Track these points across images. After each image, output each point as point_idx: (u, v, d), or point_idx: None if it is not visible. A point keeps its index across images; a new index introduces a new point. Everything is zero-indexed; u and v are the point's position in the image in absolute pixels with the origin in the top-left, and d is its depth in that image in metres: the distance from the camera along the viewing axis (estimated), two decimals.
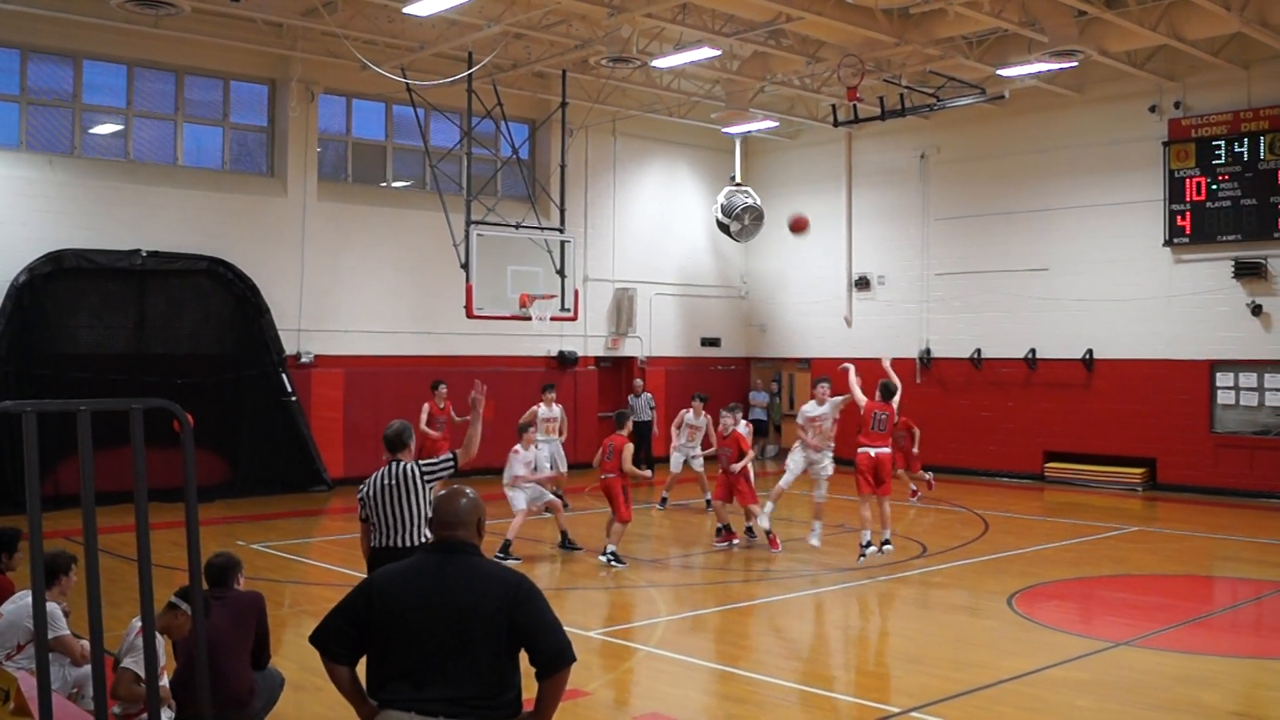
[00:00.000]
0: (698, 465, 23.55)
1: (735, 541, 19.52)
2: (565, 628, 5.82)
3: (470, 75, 24.16)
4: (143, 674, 8.18)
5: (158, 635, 8.36)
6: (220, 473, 24.99)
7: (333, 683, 5.78)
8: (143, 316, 24.42)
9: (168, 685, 8.32)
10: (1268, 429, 25.80)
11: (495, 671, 5.48)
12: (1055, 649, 12.76)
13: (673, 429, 24.25)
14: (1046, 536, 20.69)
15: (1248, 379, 26.10)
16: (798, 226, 25.85)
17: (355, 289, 27.60)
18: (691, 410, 23.80)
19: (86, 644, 7.53)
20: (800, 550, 19.13)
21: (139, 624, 8.01)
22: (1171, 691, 11.05)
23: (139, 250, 24.19)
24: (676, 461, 23.78)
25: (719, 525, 19.75)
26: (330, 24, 23.50)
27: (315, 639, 5.79)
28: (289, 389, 25.84)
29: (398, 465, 10.28)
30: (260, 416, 25.56)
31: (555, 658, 5.58)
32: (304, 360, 26.59)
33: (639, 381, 30.72)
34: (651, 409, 29.87)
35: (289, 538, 20.55)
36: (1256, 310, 25.68)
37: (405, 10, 21.70)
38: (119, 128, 25.38)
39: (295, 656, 12.12)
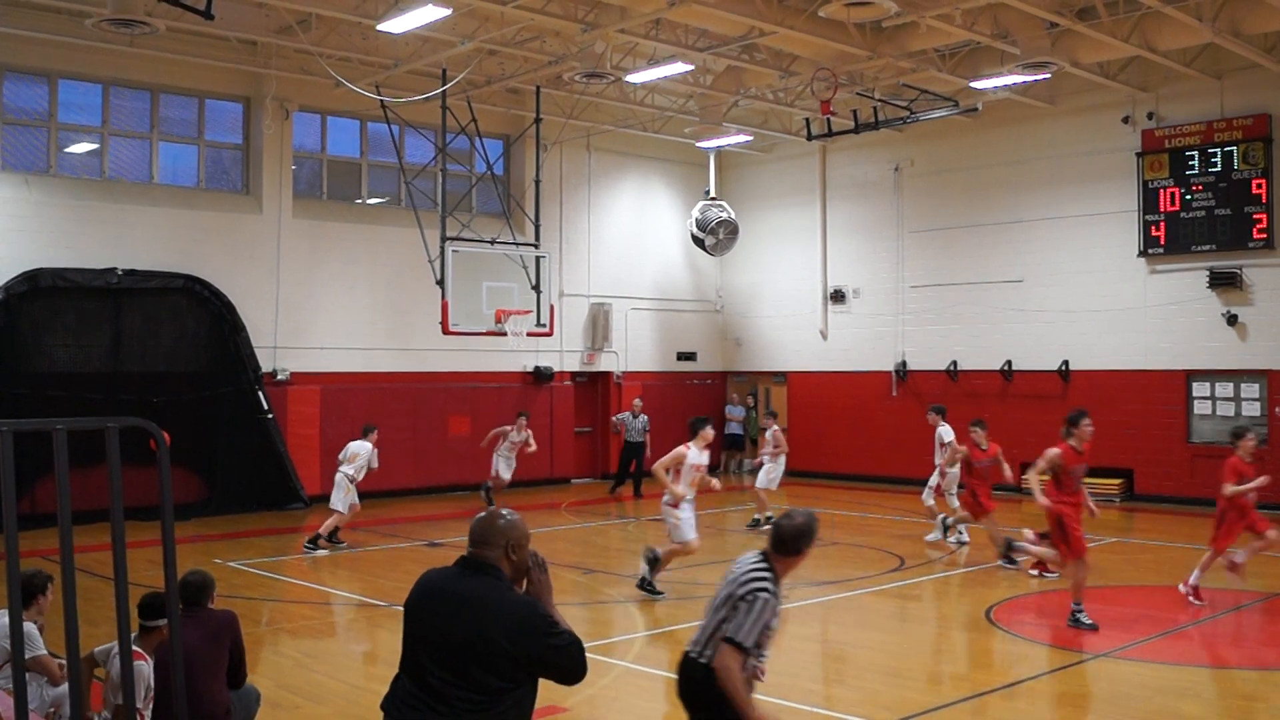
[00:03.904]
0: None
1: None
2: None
3: (444, 92, 24.20)
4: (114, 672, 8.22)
5: (147, 661, 8.39)
6: (197, 491, 24.92)
7: None
8: (119, 335, 24.36)
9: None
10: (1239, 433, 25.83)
11: (480, 694, 5.47)
12: (1034, 661, 12.79)
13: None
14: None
15: (1224, 389, 26.19)
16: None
17: (331, 306, 27.56)
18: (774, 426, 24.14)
19: (64, 663, 7.50)
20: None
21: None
22: (1151, 702, 11.08)
23: (115, 269, 24.13)
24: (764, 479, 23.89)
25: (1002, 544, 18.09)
26: (304, 42, 23.50)
27: None
28: (265, 406, 25.78)
29: None
30: (236, 434, 25.47)
31: (575, 675, 5.76)
32: (280, 377, 26.52)
33: (638, 401, 30.29)
34: (645, 431, 29.49)
35: (266, 555, 20.49)
36: (1232, 320, 25.78)
37: (379, 27, 21.69)
38: (94, 146, 25.33)
39: (273, 674, 12.11)
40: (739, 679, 6.93)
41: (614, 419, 30.51)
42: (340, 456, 21.36)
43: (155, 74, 25.24)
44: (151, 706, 8.35)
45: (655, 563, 16.41)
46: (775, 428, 24.20)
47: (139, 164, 25.87)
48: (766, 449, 24.05)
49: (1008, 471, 19.73)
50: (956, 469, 21.19)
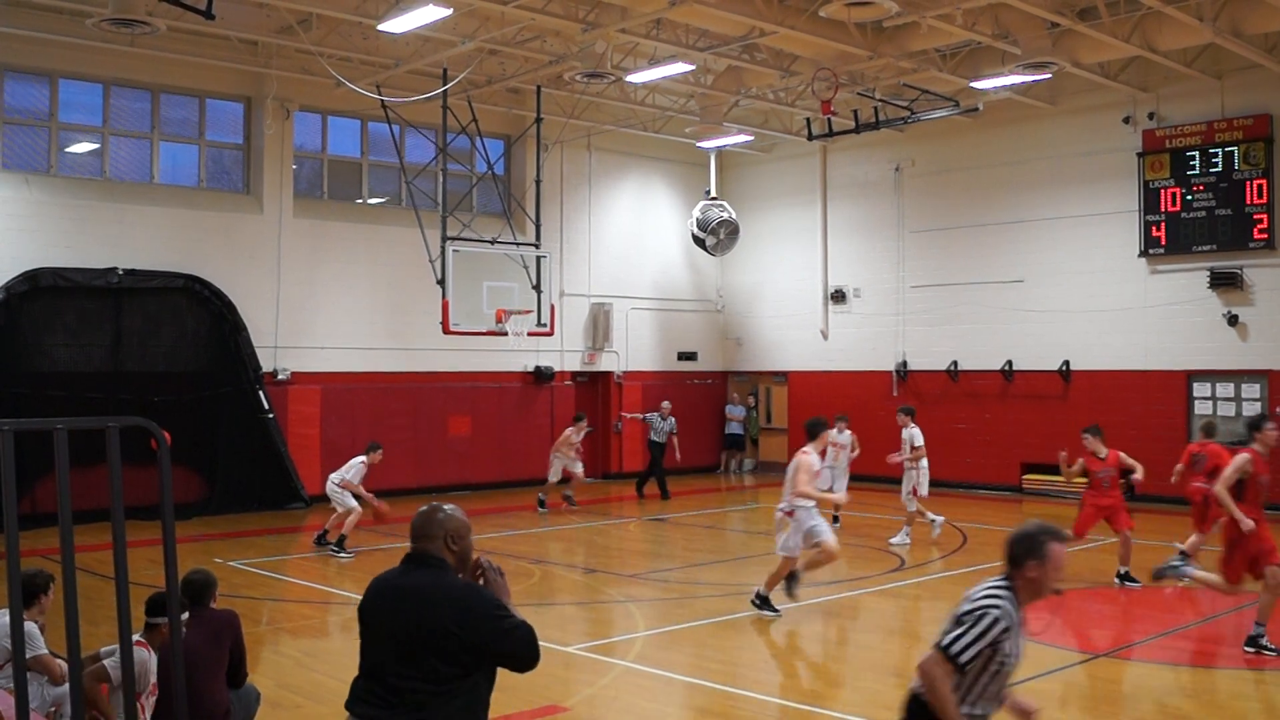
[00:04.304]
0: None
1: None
2: (544, 642, 5.85)
3: (445, 92, 24.21)
4: (114, 677, 8.22)
5: (150, 652, 8.40)
6: (197, 490, 24.93)
7: None
8: (119, 334, 24.37)
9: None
10: (1245, 440, 25.83)
11: (436, 684, 5.57)
12: (1034, 661, 12.75)
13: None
14: None
15: (1224, 389, 26.18)
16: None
17: (331, 306, 27.55)
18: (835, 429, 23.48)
19: (65, 662, 7.51)
20: (776, 564, 19.15)
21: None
22: (1149, 703, 11.08)
23: (115, 268, 24.13)
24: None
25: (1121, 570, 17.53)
26: (305, 41, 23.50)
27: None
28: (266, 406, 25.78)
29: None
30: (237, 434, 25.48)
31: (526, 660, 5.74)
32: (280, 377, 26.52)
33: (667, 404, 30.03)
34: (670, 433, 29.16)
35: (266, 555, 20.50)
36: (1232, 320, 25.77)
37: (380, 27, 21.69)
38: (95, 146, 25.33)
39: (273, 674, 12.12)
40: (945, 691, 6.03)
41: (644, 416, 30.24)
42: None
43: (156, 74, 25.24)
44: (155, 698, 8.36)
45: (794, 579, 15.34)
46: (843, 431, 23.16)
47: (140, 164, 25.87)
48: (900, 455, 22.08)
49: (1139, 474, 18.09)
50: (919, 470, 21.35)
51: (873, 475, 25.43)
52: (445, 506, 6.03)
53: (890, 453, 21.82)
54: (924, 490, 21.55)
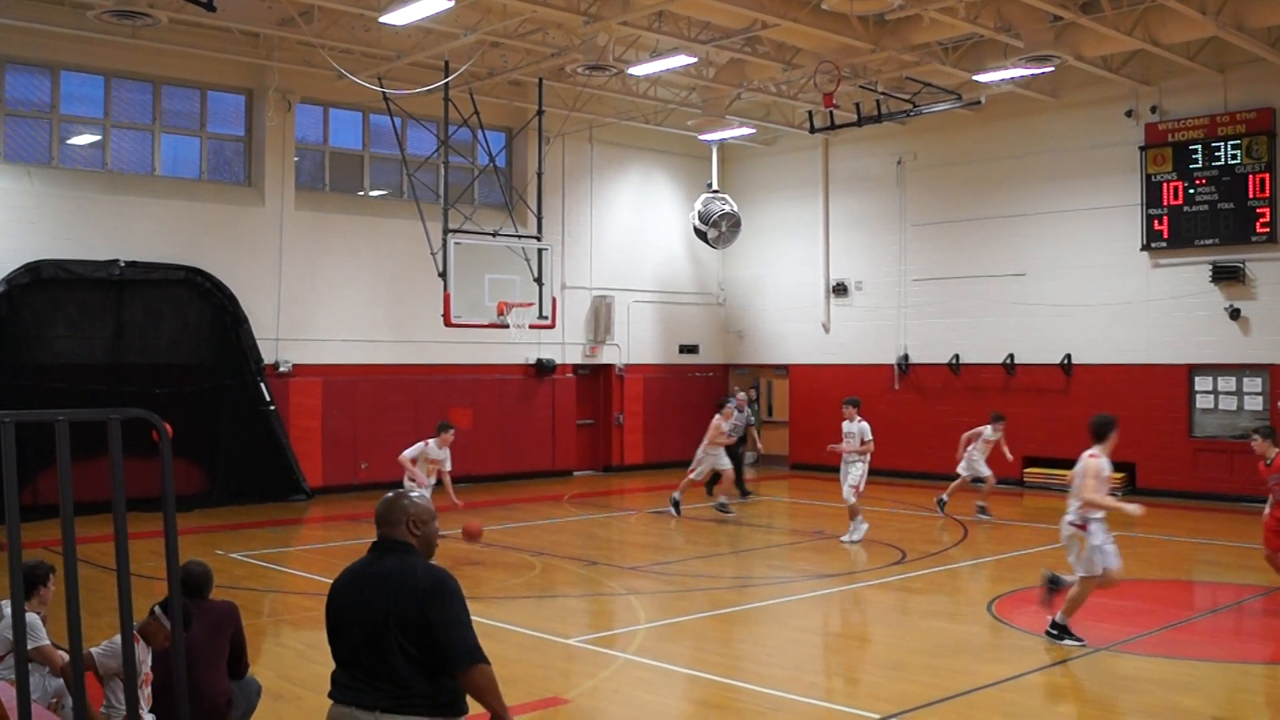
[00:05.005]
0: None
1: None
2: (545, 635, 5.85)
3: (447, 84, 24.17)
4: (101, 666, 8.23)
5: (137, 643, 8.37)
6: (199, 482, 24.94)
7: None
8: (121, 326, 24.35)
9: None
10: (1246, 433, 25.85)
11: (414, 665, 5.66)
12: (1035, 655, 12.77)
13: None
14: (1026, 542, 20.71)
15: (1226, 383, 26.16)
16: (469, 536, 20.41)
17: (333, 298, 27.54)
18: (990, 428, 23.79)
19: (65, 654, 7.50)
20: (777, 557, 19.15)
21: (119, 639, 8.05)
22: (1152, 696, 11.08)
23: (117, 260, 24.11)
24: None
25: None
26: (307, 33, 23.48)
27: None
28: (267, 398, 25.77)
29: None
30: (239, 426, 25.46)
31: (459, 656, 5.66)
32: (282, 369, 26.52)
33: (743, 394, 28.48)
34: (749, 424, 27.56)
35: (268, 547, 20.49)
36: (1234, 314, 25.75)
37: (381, 19, 21.66)
38: (96, 138, 25.31)
39: (274, 665, 12.12)
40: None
41: (733, 414, 25.83)
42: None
43: (157, 66, 25.21)
44: (148, 688, 8.35)
45: (1056, 583, 13.56)
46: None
47: (141, 156, 25.85)
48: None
49: None
50: (862, 465, 20.94)
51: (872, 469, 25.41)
52: (408, 494, 6.20)
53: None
54: (863, 485, 21.05)
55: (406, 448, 20.15)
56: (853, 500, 20.82)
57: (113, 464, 5.96)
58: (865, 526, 20.79)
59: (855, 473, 20.95)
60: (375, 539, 6.06)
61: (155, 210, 25.10)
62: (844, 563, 18.81)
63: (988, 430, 23.83)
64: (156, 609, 8.30)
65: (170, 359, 24.94)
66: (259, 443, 25.68)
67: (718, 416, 24.63)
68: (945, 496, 24.01)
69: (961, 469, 23.91)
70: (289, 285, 26.81)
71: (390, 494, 6.17)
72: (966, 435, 24.00)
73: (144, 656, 8.32)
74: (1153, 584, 17.04)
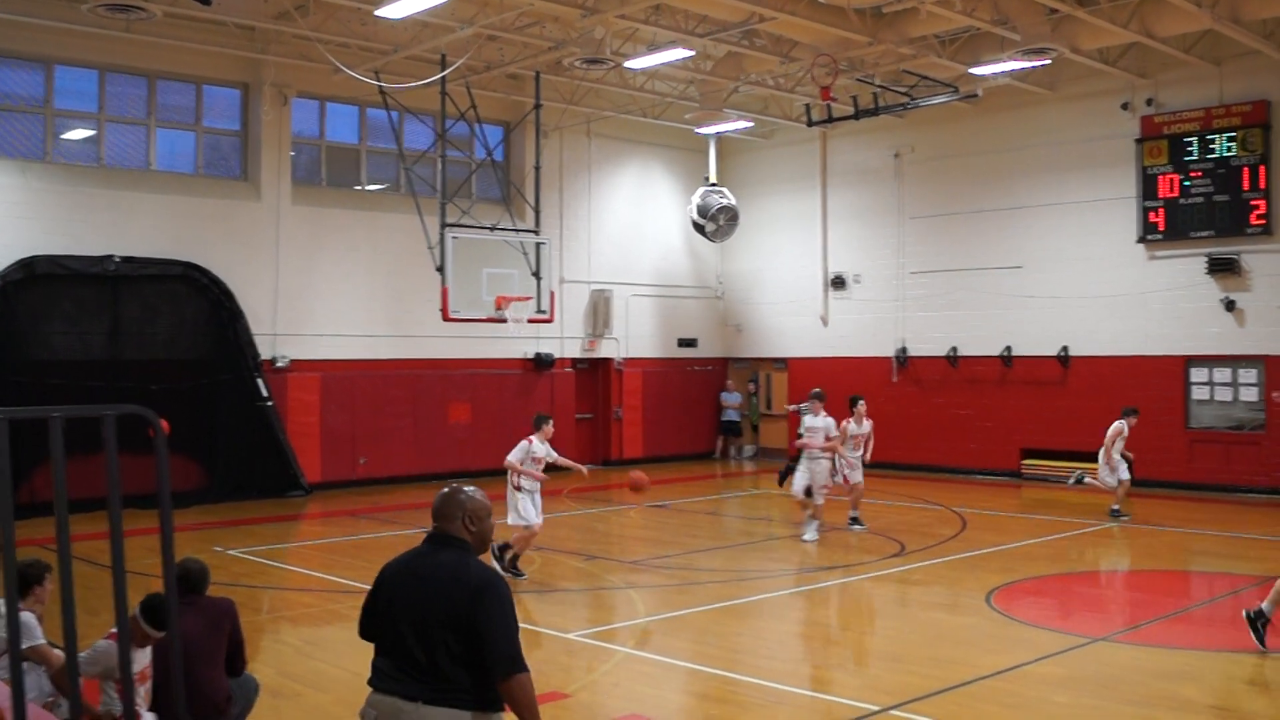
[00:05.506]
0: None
1: None
2: (545, 629, 5.85)
3: (444, 78, 24.11)
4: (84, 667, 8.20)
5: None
6: (196, 478, 24.89)
7: None
8: (117, 322, 24.31)
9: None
10: (1242, 424, 25.89)
11: (458, 662, 5.69)
12: (1033, 645, 12.78)
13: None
14: (1024, 533, 20.71)
15: (1222, 374, 26.17)
16: (636, 487, 21.78)
17: (330, 293, 27.51)
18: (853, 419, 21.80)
19: (62, 653, 7.49)
20: (778, 550, 19.14)
21: (101, 643, 8.09)
22: (1149, 686, 11.08)
23: (112, 256, 24.07)
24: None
25: None
26: (303, 27, 23.44)
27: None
28: (265, 393, 25.74)
29: None
30: (236, 421, 25.44)
31: (499, 662, 5.68)
32: (279, 365, 26.49)
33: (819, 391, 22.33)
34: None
35: (266, 543, 20.48)
36: (1230, 306, 25.76)
37: (378, 13, 21.60)
38: (91, 133, 25.25)
39: (273, 662, 12.11)
40: None
41: (798, 407, 23.69)
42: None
43: (152, 60, 25.15)
44: (147, 685, 8.34)
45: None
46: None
47: (136, 150, 25.80)
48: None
49: None
50: (827, 463, 20.49)
51: (869, 462, 25.40)
52: (467, 488, 6.17)
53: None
54: (831, 483, 20.75)
55: (514, 450, 17.45)
56: (820, 501, 20.46)
57: (108, 461, 5.93)
58: (818, 523, 20.30)
59: (823, 470, 20.53)
60: (430, 531, 6.09)
61: (151, 205, 25.05)
62: (843, 555, 18.80)
63: (1126, 426, 22.40)
64: (137, 609, 8.29)
65: (167, 355, 24.90)
66: (257, 439, 25.66)
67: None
68: (1118, 506, 22.37)
69: (1107, 477, 22.43)
70: (286, 280, 26.77)
71: (447, 487, 6.18)
72: (1111, 435, 22.32)
73: (137, 654, 8.30)
74: (1150, 574, 17.05)
